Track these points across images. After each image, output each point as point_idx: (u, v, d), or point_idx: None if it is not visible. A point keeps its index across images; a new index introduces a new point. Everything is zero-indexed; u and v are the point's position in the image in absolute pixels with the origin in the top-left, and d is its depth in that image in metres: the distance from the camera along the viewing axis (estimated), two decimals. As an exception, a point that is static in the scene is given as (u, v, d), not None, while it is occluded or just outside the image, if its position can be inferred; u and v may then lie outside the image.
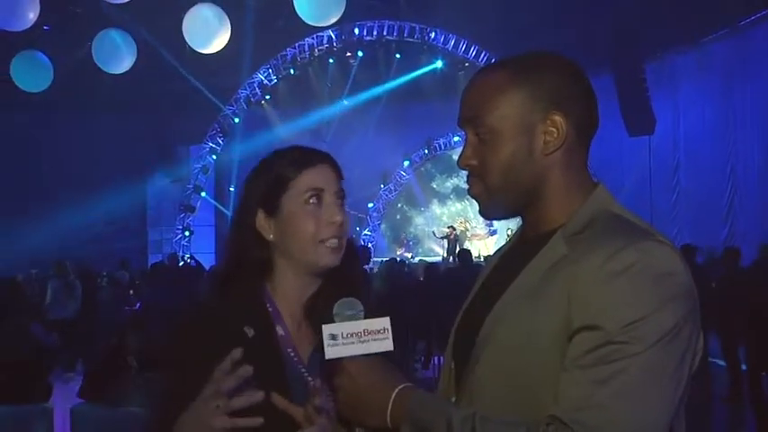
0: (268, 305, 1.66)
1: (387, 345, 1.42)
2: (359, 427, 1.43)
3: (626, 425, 1.20)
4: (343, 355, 1.42)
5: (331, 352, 1.42)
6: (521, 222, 1.56)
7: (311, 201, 1.63)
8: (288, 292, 1.68)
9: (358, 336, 1.41)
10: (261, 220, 1.66)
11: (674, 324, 1.24)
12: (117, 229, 19.15)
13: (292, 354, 1.63)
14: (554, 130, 1.40)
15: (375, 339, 1.42)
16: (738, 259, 9.11)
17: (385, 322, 1.43)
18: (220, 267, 1.74)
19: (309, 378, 1.60)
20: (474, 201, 1.50)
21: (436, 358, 10.58)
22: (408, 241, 21.83)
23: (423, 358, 10.84)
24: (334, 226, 1.64)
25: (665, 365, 1.23)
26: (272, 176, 1.66)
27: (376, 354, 1.42)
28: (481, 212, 1.51)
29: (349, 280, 1.68)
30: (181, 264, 15.31)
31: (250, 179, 1.70)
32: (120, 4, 14.06)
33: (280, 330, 1.64)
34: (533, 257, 1.41)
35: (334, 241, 1.64)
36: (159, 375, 1.70)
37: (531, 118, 1.41)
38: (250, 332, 1.59)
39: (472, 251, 13.05)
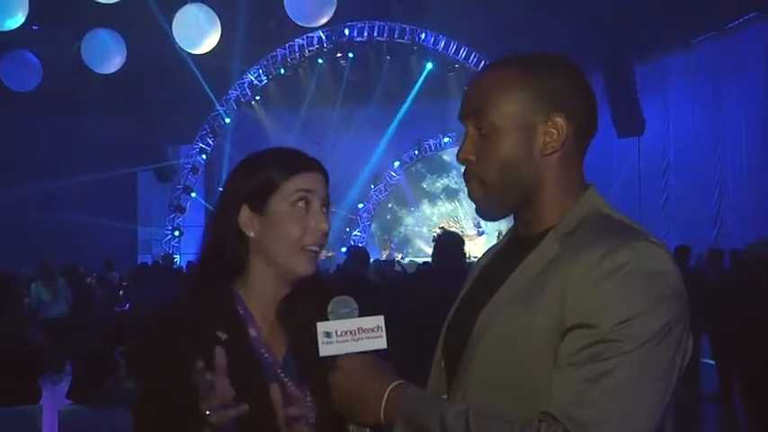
0: (239, 308, 1.65)
1: (380, 343, 1.42)
2: (353, 424, 1.44)
3: (617, 421, 1.20)
4: (337, 353, 1.42)
5: (325, 350, 1.42)
6: (512, 223, 1.57)
7: (300, 204, 1.63)
8: (261, 293, 1.67)
9: (352, 334, 1.42)
10: (245, 216, 1.65)
11: (666, 323, 1.25)
12: (106, 228, 19.07)
13: (267, 355, 1.63)
14: (554, 131, 1.41)
15: (369, 337, 1.42)
16: (721, 261, 9.19)
17: (379, 320, 1.43)
18: (195, 262, 1.73)
19: (286, 379, 1.61)
20: (465, 202, 1.50)
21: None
22: (392, 243, 21.79)
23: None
24: (319, 234, 1.64)
25: (656, 364, 1.24)
26: (262, 175, 1.65)
27: (370, 352, 1.42)
28: (478, 212, 1.51)
29: (321, 284, 1.69)
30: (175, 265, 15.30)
31: (237, 174, 1.69)
32: (110, 3, 14.01)
33: (252, 332, 1.64)
34: (526, 257, 1.41)
35: (315, 248, 1.64)
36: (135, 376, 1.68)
37: (533, 117, 1.41)
38: (223, 336, 1.58)
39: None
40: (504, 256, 1.54)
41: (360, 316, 1.45)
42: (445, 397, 1.47)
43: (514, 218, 1.53)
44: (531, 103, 1.42)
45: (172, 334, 1.60)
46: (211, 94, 18.99)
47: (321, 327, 1.43)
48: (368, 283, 7.36)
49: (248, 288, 1.67)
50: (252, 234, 1.65)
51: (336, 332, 1.42)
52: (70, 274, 11.15)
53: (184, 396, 1.47)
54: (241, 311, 1.65)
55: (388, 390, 1.37)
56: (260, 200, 1.64)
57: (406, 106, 19.70)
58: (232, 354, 1.51)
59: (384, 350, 1.42)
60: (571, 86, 1.44)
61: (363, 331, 1.42)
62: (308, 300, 1.56)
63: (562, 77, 1.44)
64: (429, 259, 19.21)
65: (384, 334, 1.42)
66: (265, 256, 1.65)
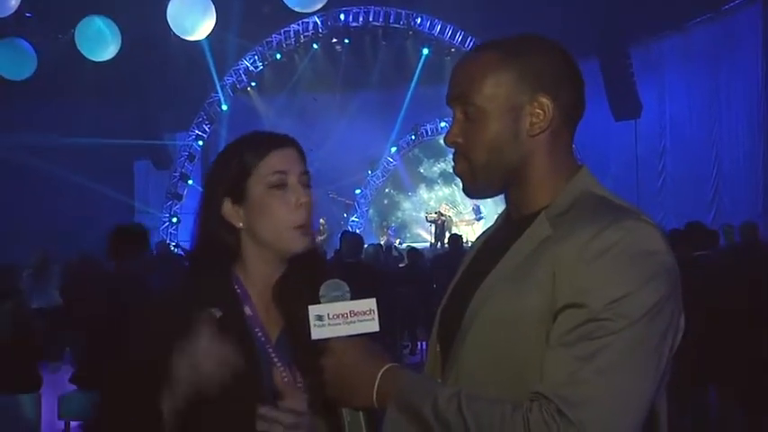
0: (236, 287, 1.67)
1: (372, 326, 1.43)
2: (345, 407, 1.44)
3: (609, 400, 1.21)
4: (329, 336, 1.42)
5: (317, 333, 1.42)
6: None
7: (276, 183, 1.64)
8: (256, 275, 1.69)
9: (344, 317, 1.42)
10: (228, 208, 1.66)
11: (657, 301, 1.26)
12: (102, 216, 19.02)
13: (260, 334, 1.64)
14: (540, 112, 1.42)
15: (361, 320, 1.42)
16: (717, 241, 9.14)
17: (371, 303, 1.44)
18: (191, 253, 1.74)
19: (277, 360, 1.61)
20: (461, 183, 1.51)
21: (423, 344, 10.61)
22: (389, 229, 21.78)
23: (409, 344, 10.88)
24: (302, 208, 1.64)
25: (648, 342, 1.25)
26: (234, 163, 1.66)
27: (362, 335, 1.43)
28: (465, 191, 1.52)
29: (316, 262, 1.69)
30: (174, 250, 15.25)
31: (214, 168, 1.71)
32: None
33: (248, 311, 1.65)
34: (518, 239, 1.42)
35: (301, 224, 1.64)
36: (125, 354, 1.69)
37: (519, 99, 1.42)
38: (218, 313, 1.60)
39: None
40: (497, 238, 1.55)
41: (353, 299, 1.45)
42: (440, 381, 1.47)
43: (506, 200, 1.53)
44: (515, 84, 1.42)
45: (163, 315, 1.61)
46: (216, 78, 18.91)
47: (313, 310, 1.43)
48: (364, 267, 7.38)
49: (245, 270, 1.69)
50: (240, 224, 1.66)
51: (328, 315, 1.42)
52: (85, 262, 11.05)
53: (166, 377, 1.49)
54: (238, 290, 1.66)
55: (380, 373, 1.38)
56: (238, 189, 1.65)
57: (409, 94, 19.67)
58: (226, 331, 1.53)
59: (376, 333, 1.43)
60: (555, 66, 1.44)
61: (355, 314, 1.42)
62: (306, 282, 1.56)
63: (546, 58, 1.44)
64: (426, 244, 19.21)
65: (376, 317, 1.43)
66: (256, 242, 1.67)
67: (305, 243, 1.66)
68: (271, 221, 1.64)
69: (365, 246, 10.70)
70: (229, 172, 1.66)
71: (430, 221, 20.19)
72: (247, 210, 1.65)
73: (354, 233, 9.18)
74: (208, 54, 17.66)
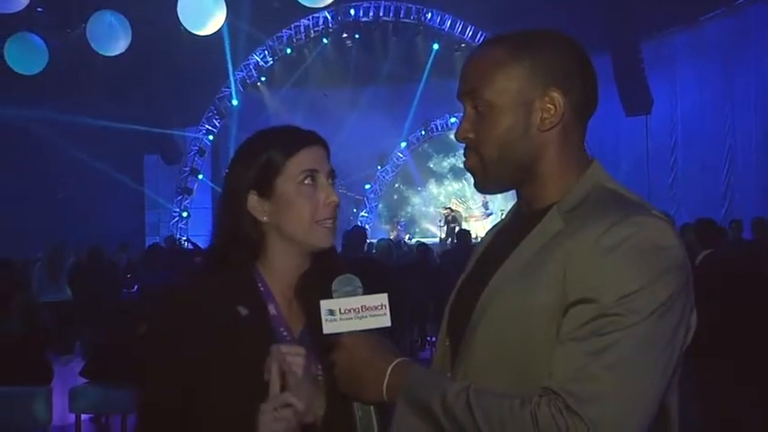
0: (259, 284, 1.67)
1: (384, 321, 1.43)
2: (355, 401, 1.44)
3: (618, 396, 1.20)
4: (341, 331, 1.43)
5: (328, 327, 1.43)
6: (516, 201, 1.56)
7: (306, 182, 1.65)
8: (279, 271, 1.69)
9: (356, 311, 1.43)
10: (253, 201, 1.66)
11: (668, 297, 1.25)
12: (113, 211, 19.10)
13: (284, 333, 1.65)
14: (551, 106, 1.41)
15: (373, 315, 1.43)
16: (726, 237, 9.11)
17: (383, 298, 1.44)
18: (212, 248, 1.74)
19: None
20: (472, 181, 1.50)
21: (432, 339, 10.60)
22: (399, 223, 21.78)
23: (419, 339, 10.89)
24: (330, 206, 1.65)
25: (659, 338, 1.24)
26: (263, 159, 1.66)
27: (373, 329, 1.43)
28: (476, 186, 1.51)
29: (338, 261, 1.70)
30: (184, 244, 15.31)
31: (238, 161, 1.70)
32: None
33: (272, 309, 1.66)
34: (529, 233, 1.41)
35: (329, 222, 1.66)
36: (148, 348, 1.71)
37: (530, 94, 1.41)
38: (243, 311, 1.61)
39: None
40: (508, 233, 1.54)
41: (364, 294, 1.45)
42: (449, 375, 1.47)
43: (517, 195, 1.53)
44: (526, 79, 1.41)
45: (191, 308, 1.61)
46: (231, 73, 18.93)
47: (325, 304, 1.44)
48: (374, 263, 7.39)
49: (267, 266, 1.69)
50: (264, 218, 1.66)
51: (340, 310, 1.43)
52: (94, 256, 11.12)
53: (197, 374, 1.52)
54: (261, 288, 1.67)
55: (391, 367, 1.38)
56: (265, 184, 1.65)
57: (419, 89, 19.68)
58: (251, 329, 1.56)
59: (388, 328, 1.43)
60: (567, 61, 1.43)
61: (367, 309, 1.43)
62: (325, 278, 1.56)
63: (557, 52, 1.43)
64: (435, 240, 19.22)
65: (388, 312, 1.43)
66: (281, 236, 1.67)
67: (329, 239, 1.68)
68: (299, 217, 1.64)
69: (377, 241, 10.72)
70: (257, 168, 1.66)
71: (439, 220, 20.18)
72: (274, 204, 1.66)
73: (357, 227, 9.14)
74: (227, 47, 17.71)
